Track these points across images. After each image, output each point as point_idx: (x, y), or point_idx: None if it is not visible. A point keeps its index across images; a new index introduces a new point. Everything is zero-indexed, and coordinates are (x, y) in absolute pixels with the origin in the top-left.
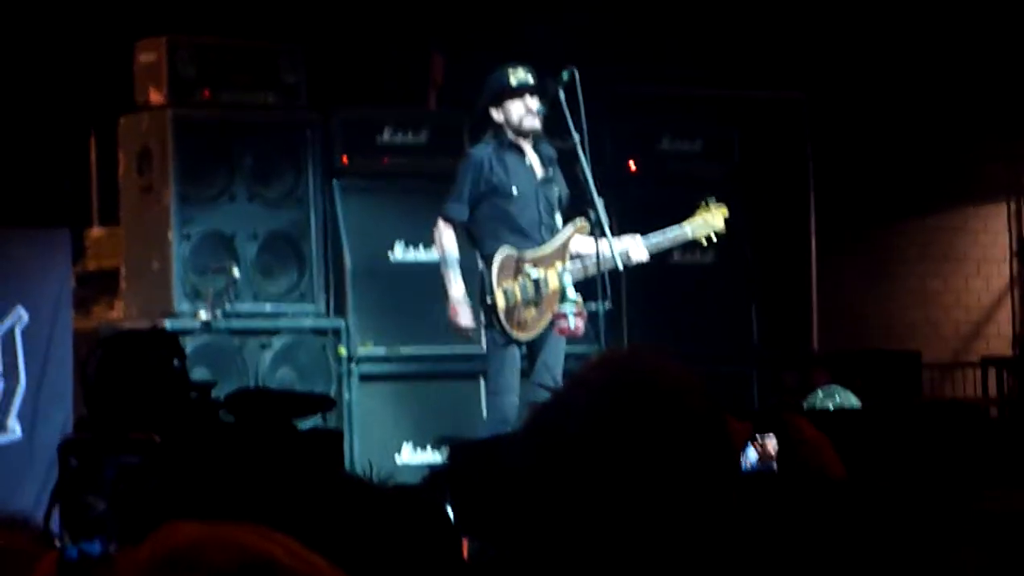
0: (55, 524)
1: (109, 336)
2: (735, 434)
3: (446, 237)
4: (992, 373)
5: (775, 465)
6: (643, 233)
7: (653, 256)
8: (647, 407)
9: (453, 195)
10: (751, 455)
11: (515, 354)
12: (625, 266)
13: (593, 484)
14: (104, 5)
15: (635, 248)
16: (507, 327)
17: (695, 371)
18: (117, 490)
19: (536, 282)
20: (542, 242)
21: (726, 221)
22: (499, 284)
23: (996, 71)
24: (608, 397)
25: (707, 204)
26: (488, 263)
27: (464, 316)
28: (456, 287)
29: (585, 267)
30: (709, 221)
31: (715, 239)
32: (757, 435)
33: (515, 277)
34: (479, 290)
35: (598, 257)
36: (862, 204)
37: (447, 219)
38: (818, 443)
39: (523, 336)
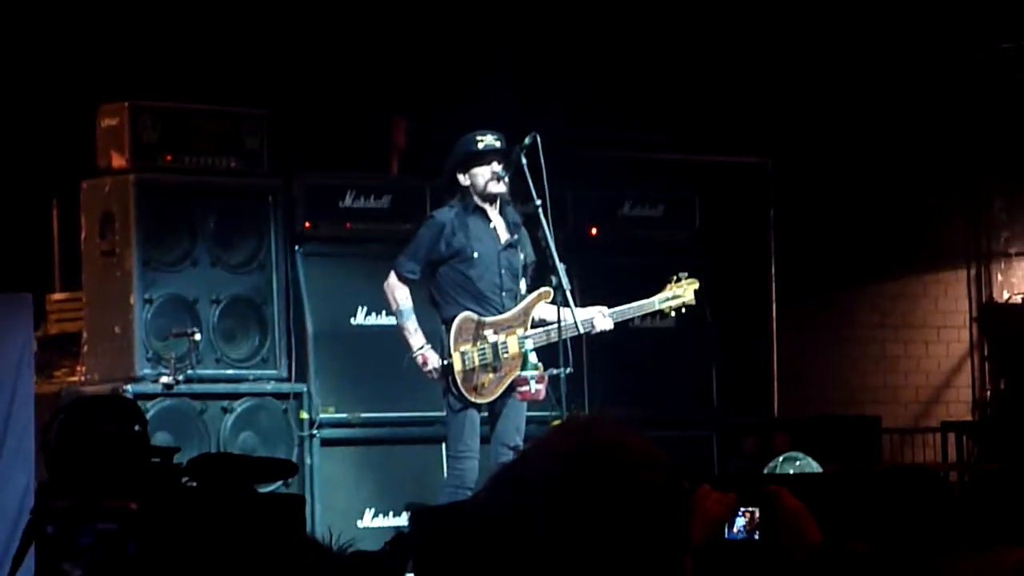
0: None
1: (70, 402)
2: (721, 503)
3: (398, 291)
4: (952, 438)
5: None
6: (606, 299)
7: (615, 282)
8: (606, 478)
9: (407, 253)
10: (739, 523)
11: (475, 418)
12: (588, 333)
13: (551, 553)
14: (66, 70)
15: (600, 318)
16: (463, 390)
17: (654, 439)
18: (94, 557)
19: (495, 346)
20: (503, 307)
21: (693, 276)
22: (456, 348)
23: (956, 139)
24: (567, 467)
25: (678, 278)
26: (447, 327)
27: (433, 360)
28: (416, 337)
29: (548, 334)
30: (679, 294)
31: (683, 311)
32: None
33: (474, 342)
34: (438, 353)
35: (560, 325)
36: (823, 270)
37: (399, 275)
38: (800, 512)
39: (479, 400)
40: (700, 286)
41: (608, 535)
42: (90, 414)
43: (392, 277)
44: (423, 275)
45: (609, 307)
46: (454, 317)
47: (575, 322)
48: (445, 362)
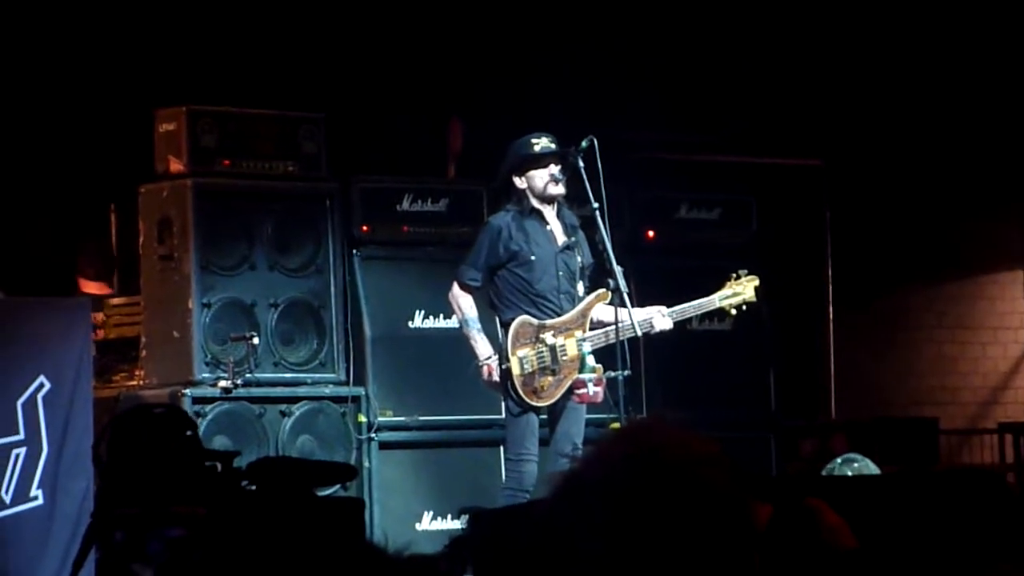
0: None
1: (119, 415)
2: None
3: (462, 300)
4: (1009, 439)
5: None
6: (662, 302)
7: (673, 301)
8: (665, 480)
9: (469, 261)
10: None
11: (534, 421)
12: (647, 334)
13: (615, 559)
14: (124, 75)
15: (659, 318)
16: (522, 394)
17: (713, 440)
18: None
19: (553, 349)
20: (560, 310)
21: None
22: (514, 351)
23: (1014, 139)
24: (626, 472)
25: (738, 276)
26: (505, 330)
27: (497, 373)
28: (482, 347)
29: (607, 335)
30: (738, 292)
31: (744, 309)
32: None
33: (532, 344)
34: (497, 353)
35: (617, 326)
36: (879, 272)
37: (461, 284)
38: (838, 527)
39: (538, 403)
40: (759, 291)
41: (671, 537)
42: (136, 427)
43: (455, 287)
44: (484, 280)
45: (667, 308)
46: (512, 320)
47: (633, 323)
48: (503, 366)
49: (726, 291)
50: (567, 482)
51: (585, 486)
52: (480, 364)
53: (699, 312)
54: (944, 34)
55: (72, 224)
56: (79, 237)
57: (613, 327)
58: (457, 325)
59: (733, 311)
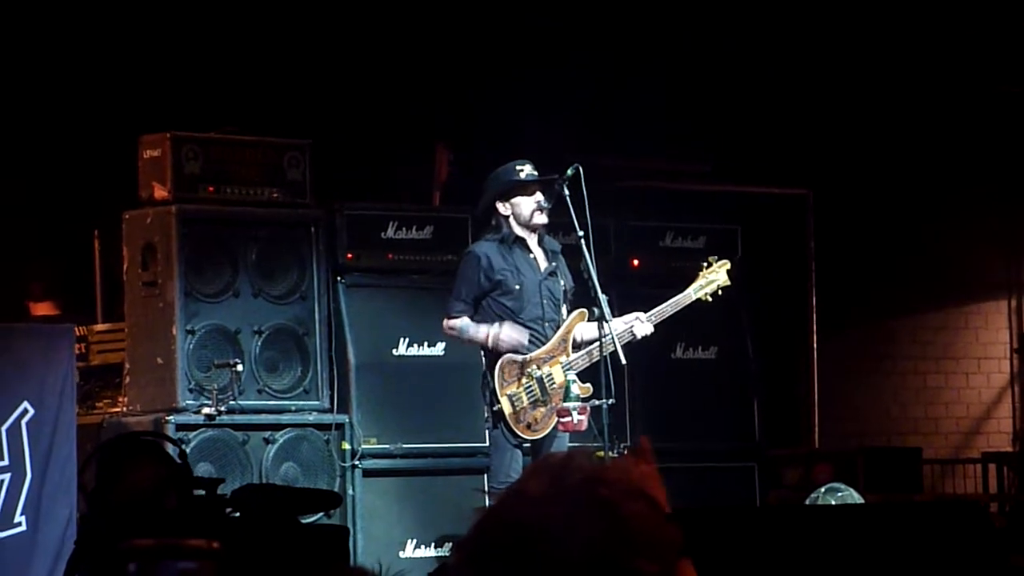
0: None
1: (104, 443)
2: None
3: (455, 323)
4: (992, 469)
5: None
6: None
7: (659, 329)
8: (589, 516)
9: (454, 296)
10: None
11: (520, 452)
12: (631, 343)
13: None
14: (108, 101)
15: (638, 324)
16: (516, 431)
17: (695, 470)
18: None
19: (540, 380)
20: (546, 337)
21: (732, 311)
22: (503, 392)
23: (996, 170)
24: (549, 510)
25: (708, 263)
26: (491, 369)
27: (507, 330)
28: (484, 329)
29: (590, 355)
30: (711, 279)
31: (720, 294)
32: None
33: (518, 381)
34: (485, 394)
35: (601, 342)
36: (864, 301)
37: (450, 318)
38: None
39: (534, 437)
40: (743, 320)
41: (596, 569)
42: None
43: (445, 322)
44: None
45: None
46: (497, 357)
47: (613, 337)
48: (495, 408)
49: (699, 282)
50: (487, 525)
51: (505, 527)
52: (488, 344)
53: (677, 309)
54: (928, 65)
55: (56, 250)
56: (29, 258)
57: (595, 346)
58: (441, 353)
59: (710, 298)
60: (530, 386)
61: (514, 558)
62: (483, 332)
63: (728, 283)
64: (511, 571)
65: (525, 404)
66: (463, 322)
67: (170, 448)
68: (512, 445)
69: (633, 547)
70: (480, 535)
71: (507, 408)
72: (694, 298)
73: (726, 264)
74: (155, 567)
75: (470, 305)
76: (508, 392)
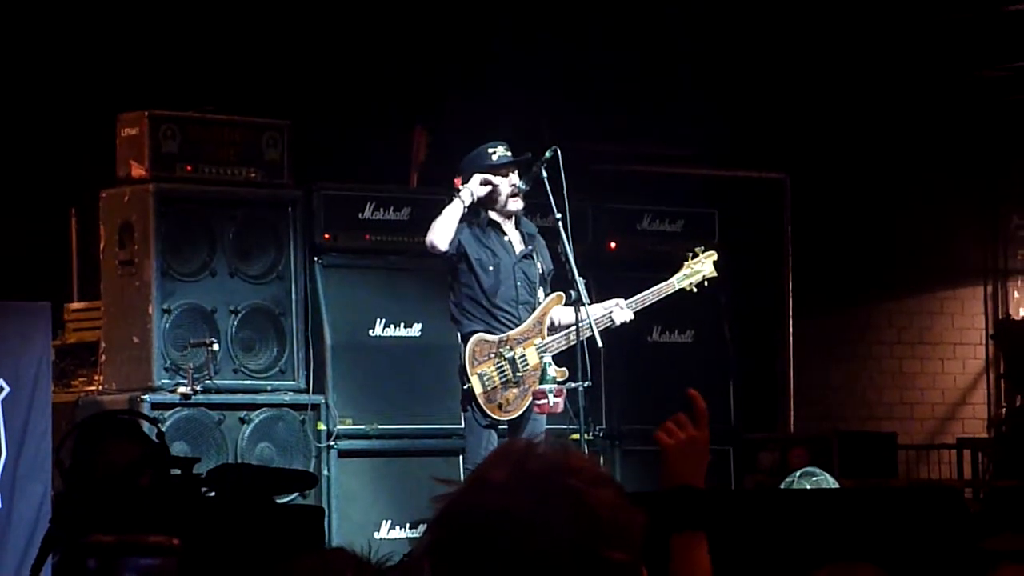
0: None
1: (81, 421)
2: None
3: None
4: (967, 455)
5: None
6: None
7: (639, 315)
8: (554, 503)
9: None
10: None
11: (495, 433)
12: (609, 328)
13: None
14: (86, 79)
15: (618, 311)
16: (487, 410)
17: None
18: None
19: (513, 361)
20: (520, 320)
21: (709, 295)
22: (473, 370)
23: (974, 156)
24: (514, 497)
25: (694, 254)
26: (465, 345)
27: (476, 181)
28: (457, 203)
29: (567, 338)
30: (697, 269)
31: (706, 285)
32: None
33: (491, 360)
34: (458, 373)
35: (579, 327)
36: (840, 286)
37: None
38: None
39: (505, 417)
40: (720, 303)
41: (563, 558)
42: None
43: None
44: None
45: (625, 300)
46: (470, 335)
47: (590, 322)
48: (464, 387)
49: (684, 271)
50: (452, 511)
51: (471, 513)
52: (468, 191)
53: (660, 297)
54: (908, 50)
55: (32, 228)
56: (5, 235)
57: (572, 329)
58: (418, 334)
59: (695, 289)
60: (502, 366)
61: (478, 547)
62: (456, 204)
63: (714, 274)
64: (476, 560)
65: (497, 384)
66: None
67: (147, 427)
68: (483, 426)
69: (600, 536)
70: (443, 523)
71: (477, 387)
72: (677, 287)
73: (712, 255)
74: (116, 563)
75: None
76: (479, 371)
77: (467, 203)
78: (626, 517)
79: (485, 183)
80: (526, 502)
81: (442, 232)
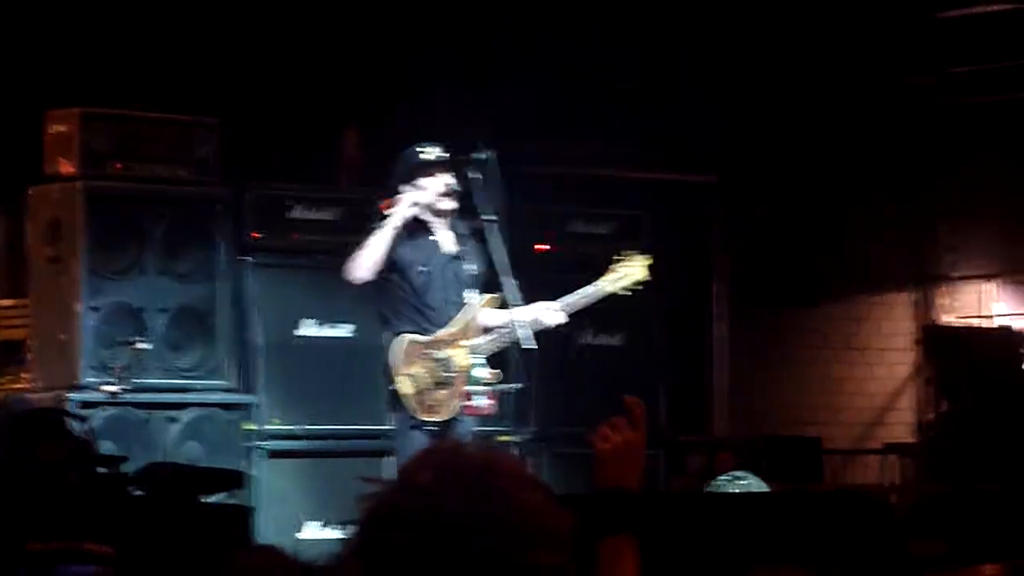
0: None
1: (8, 418)
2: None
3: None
4: (893, 460)
5: None
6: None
7: (571, 318)
8: (482, 505)
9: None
10: None
11: (424, 435)
12: (541, 331)
13: None
14: (14, 74)
15: (547, 313)
16: (416, 412)
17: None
18: None
19: (442, 362)
20: (450, 320)
21: (640, 299)
22: (402, 371)
23: (903, 162)
24: (440, 497)
25: (626, 256)
26: (392, 346)
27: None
28: (386, 228)
29: (500, 340)
30: (627, 273)
31: (639, 288)
32: None
33: (420, 361)
34: (383, 373)
35: (510, 328)
36: (768, 290)
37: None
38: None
39: (435, 418)
40: (650, 307)
41: (492, 559)
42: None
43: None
44: (372, 290)
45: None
46: (401, 333)
47: (517, 324)
48: (390, 388)
49: (613, 275)
50: (378, 516)
51: (398, 518)
52: (392, 220)
53: (590, 301)
54: (836, 54)
55: None
56: None
57: (501, 331)
58: (348, 335)
59: (628, 292)
60: (431, 367)
61: (407, 549)
62: (385, 232)
63: (647, 278)
64: (405, 561)
65: (428, 385)
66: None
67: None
68: (411, 427)
69: (529, 538)
70: (372, 525)
71: (407, 388)
72: (609, 291)
73: (648, 259)
74: (49, 572)
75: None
76: (411, 372)
77: (398, 227)
78: (554, 519)
79: (415, 204)
80: (454, 504)
81: (367, 263)
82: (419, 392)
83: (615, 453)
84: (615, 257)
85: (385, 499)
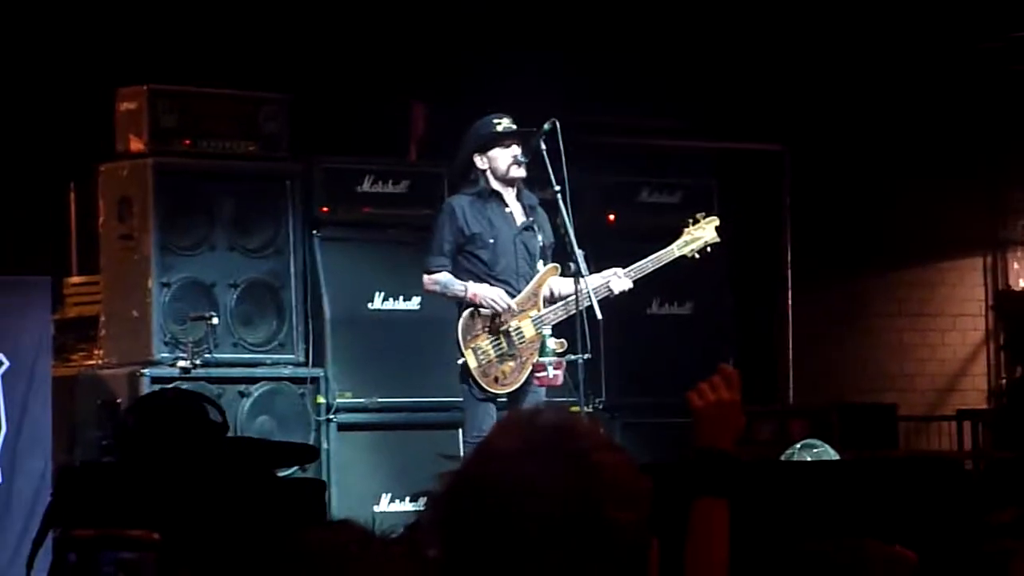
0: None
1: (139, 401)
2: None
3: (437, 277)
4: (967, 426)
5: None
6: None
7: (639, 287)
8: (562, 468)
9: (432, 250)
10: None
11: (492, 406)
12: (608, 297)
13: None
14: (84, 53)
15: (615, 280)
16: (483, 384)
17: (670, 426)
18: None
19: (508, 334)
20: (519, 291)
21: (709, 267)
22: (468, 344)
23: (973, 127)
24: (520, 463)
25: (695, 219)
26: (458, 320)
27: (486, 290)
28: (459, 286)
29: (566, 308)
30: (697, 236)
31: (708, 250)
32: None
33: (485, 334)
34: (456, 346)
35: (577, 298)
36: (840, 257)
37: (429, 272)
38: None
39: (502, 391)
40: (719, 275)
41: (571, 520)
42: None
43: (425, 277)
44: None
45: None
46: (471, 306)
47: (589, 293)
48: (459, 361)
49: (684, 238)
50: (462, 486)
51: (486, 485)
52: (467, 297)
53: (659, 265)
54: (907, 20)
55: (31, 203)
56: (4, 210)
57: (568, 300)
58: (416, 307)
59: (697, 255)
60: (497, 340)
61: (488, 517)
62: (462, 287)
63: (717, 240)
64: (486, 530)
65: (492, 358)
66: (445, 277)
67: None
68: (480, 399)
69: (608, 497)
70: (452, 496)
71: (472, 362)
72: (677, 255)
73: (714, 220)
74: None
75: (448, 258)
76: (472, 345)
77: (468, 300)
78: (632, 479)
79: (491, 296)
80: (533, 468)
81: (431, 291)
82: (485, 365)
83: (711, 412)
84: (685, 221)
85: (466, 470)
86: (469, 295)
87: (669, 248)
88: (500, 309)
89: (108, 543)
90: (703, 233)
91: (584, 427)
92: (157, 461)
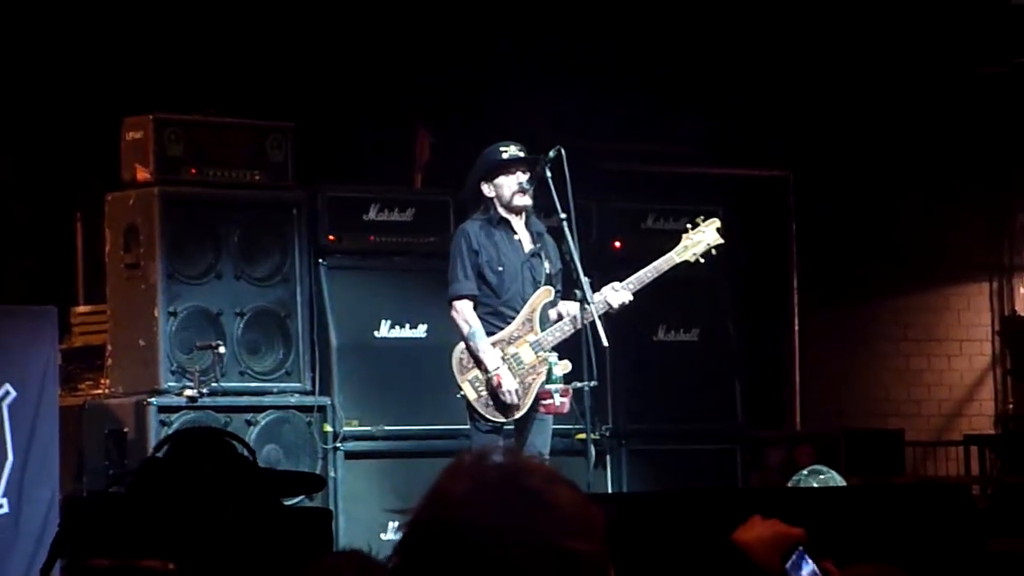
0: None
1: (173, 435)
2: (785, 537)
3: (467, 311)
4: (974, 451)
5: None
6: (632, 308)
7: (643, 314)
8: (515, 505)
9: (457, 276)
10: (807, 567)
11: (499, 437)
12: (608, 312)
13: None
14: (91, 83)
15: (612, 294)
16: (487, 415)
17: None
18: None
19: (505, 361)
20: None
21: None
22: (463, 377)
23: (980, 152)
24: (472, 506)
25: (694, 224)
26: (450, 356)
27: (508, 381)
28: (490, 357)
29: (563, 330)
30: (699, 239)
31: (713, 253)
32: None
33: (480, 365)
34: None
35: (584, 324)
36: (846, 283)
37: (459, 298)
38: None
39: (509, 419)
40: (724, 301)
41: (529, 557)
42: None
43: (454, 304)
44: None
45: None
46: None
47: (595, 319)
48: (458, 395)
49: (683, 244)
50: (415, 532)
51: (434, 532)
52: (490, 375)
53: (659, 274)
54: (913, 45)
55: (38, 232)
56: (10, 240)
57: (564, 320)
58: (423, 335)
59: (701, 259)
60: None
61: (446, 562)
62: (493, 363)
63: (720, 241)
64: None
65: (488, 387)
66: (476, 325)
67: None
68: (486, 431)
69: (564, 529)
70: (411, 542)
71: (471, 394)
72: (678, 261)
73: (715, 222)
74: None
75: (472, 279)
76: (469, 377)
77: (489, 370)
78: (585, 510)
79: (503, 389)
80: (486, 510)
81: (456, 323)
82: (482, 396)
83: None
84: (686, 226)
85: (418, 517)
86: (493, 375)
87: (668, 255)
88: (507, 402)
89: (124, 573)
90: (704, 236)
91: (531, 464)
92: (182, 493)
